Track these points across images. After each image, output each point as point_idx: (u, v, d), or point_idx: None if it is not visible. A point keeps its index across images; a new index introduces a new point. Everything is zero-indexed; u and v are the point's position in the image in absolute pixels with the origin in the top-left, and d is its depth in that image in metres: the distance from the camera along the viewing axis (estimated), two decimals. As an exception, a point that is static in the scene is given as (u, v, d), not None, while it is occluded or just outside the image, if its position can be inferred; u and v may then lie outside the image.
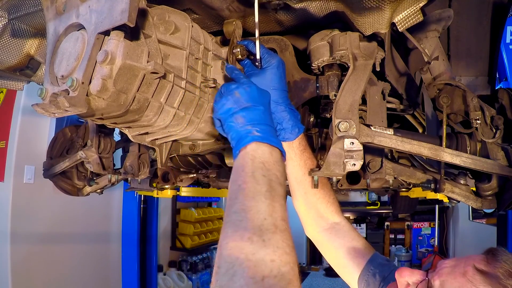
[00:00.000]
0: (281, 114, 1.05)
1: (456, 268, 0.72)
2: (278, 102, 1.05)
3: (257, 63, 1.08)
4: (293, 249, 0.66)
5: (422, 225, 8.17)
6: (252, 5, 1.04)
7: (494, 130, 1.22)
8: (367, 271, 1.01)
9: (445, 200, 3.74)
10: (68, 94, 0.79)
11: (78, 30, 0.89)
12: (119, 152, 2.05)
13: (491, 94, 1.66)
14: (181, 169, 2.18)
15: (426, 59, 1.21)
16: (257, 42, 1.05)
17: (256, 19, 1.03)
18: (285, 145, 1.09)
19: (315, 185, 1.08)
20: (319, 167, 1.06)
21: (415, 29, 1.33)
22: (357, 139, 1.04)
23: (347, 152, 1.03)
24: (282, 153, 0.83)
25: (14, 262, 3.34)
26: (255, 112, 0.84)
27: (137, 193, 4.59)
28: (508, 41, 4.13)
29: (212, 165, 2.03)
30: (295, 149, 1.09)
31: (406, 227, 8.31)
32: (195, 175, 2.28)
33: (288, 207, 0.73)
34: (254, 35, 1.27)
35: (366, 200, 7.77)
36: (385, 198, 7.54)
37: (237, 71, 1.01)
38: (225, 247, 0.63)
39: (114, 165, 1.98)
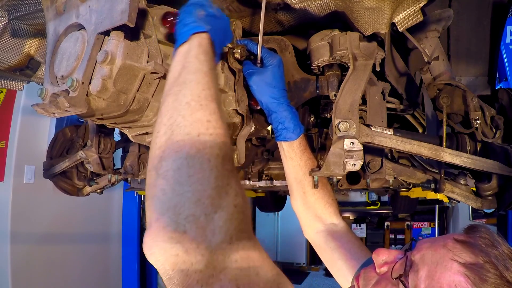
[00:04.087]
0: (283, 113, 1.05)
1: (436, 242, 0.71)
2: (279, 101, 1.05)
3: (258, 63, 1.08)
4: (226, 123, 0.69)
5: (422, 225, 8.15)
6: (251, 5, 1.04)
7: (494, 130, 1.22)
8: None
9: (445, 200, 3.73)
10: (68, 94, 0.79)
11: (78, 30, 0.89)
12: (119, 152, 2.05)
13: (491, 94, 1.66)
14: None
15: (426, 59, 1.21)
16: (260, 42, 1.05)
17: (262, 19, 1.02)
18: (285, 145, 1.09)
19: (315, 185, 1.07)
20: (319, 167, 1.06)
21: (415, 29, 1.33)
22: (357, 139, 1.03)
23: (347, 152, 1.03)
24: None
25: (14, 262, 3.34)
26: (216, 19, 0.83)
27: (137, 193, 4.57)
28: (508, 41, 4.13)
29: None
30: (296, 149, 1.09)
31: (406, 227, 8.30)
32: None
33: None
34: (253, 35, 1.26)
35: (366, 200, 7.77)
36: (385, 198, 7.54)
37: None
38: (164, 113, 0.65)
39: (114, 165, 1.98)
